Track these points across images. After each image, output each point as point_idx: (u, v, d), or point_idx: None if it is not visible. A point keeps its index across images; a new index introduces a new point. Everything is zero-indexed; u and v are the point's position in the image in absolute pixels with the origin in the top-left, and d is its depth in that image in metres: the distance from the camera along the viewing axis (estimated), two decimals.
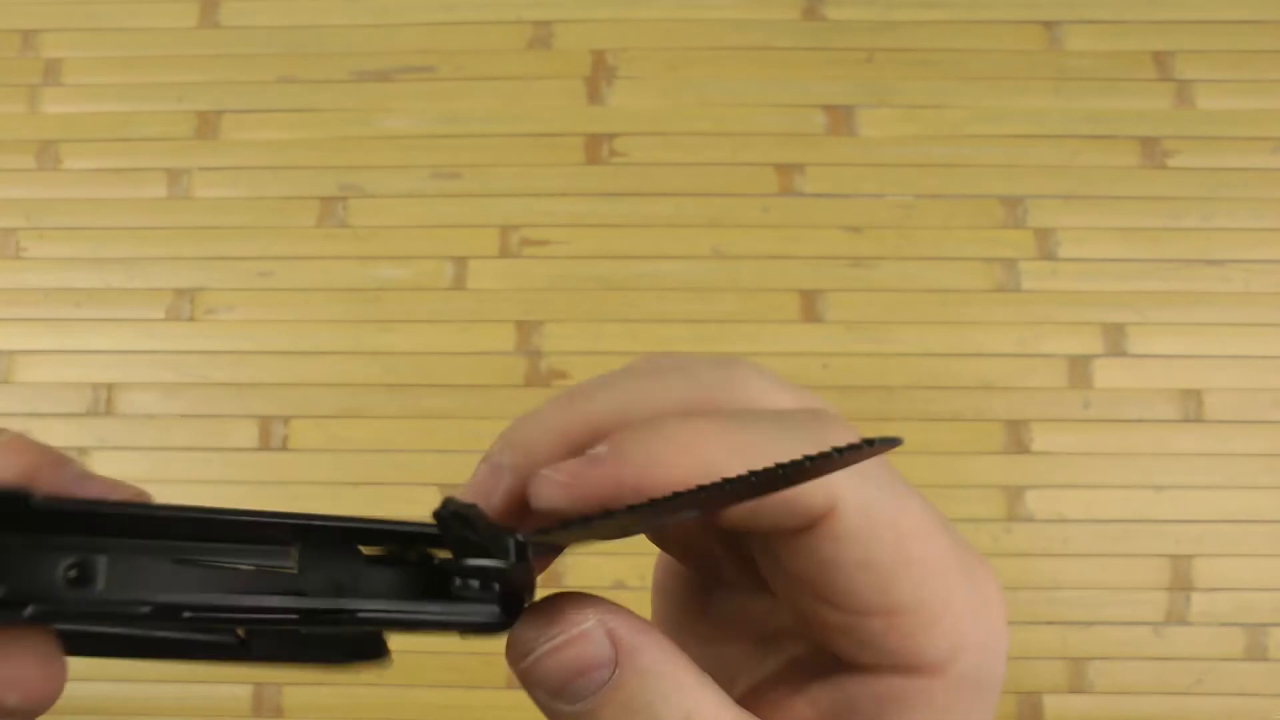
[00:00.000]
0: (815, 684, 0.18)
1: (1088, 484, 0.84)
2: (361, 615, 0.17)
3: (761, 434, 0.17)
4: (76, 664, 0.17)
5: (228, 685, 0.82)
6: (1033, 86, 0.90)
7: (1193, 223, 0.88)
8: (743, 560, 0.20)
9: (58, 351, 0.88)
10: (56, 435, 0.86)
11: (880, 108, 0.90)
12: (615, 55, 0.92)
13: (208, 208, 0.90)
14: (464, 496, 0.18)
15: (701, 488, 0.16)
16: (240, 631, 0.18)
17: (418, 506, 0.84)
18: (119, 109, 0.92)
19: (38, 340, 0.88)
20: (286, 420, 0.86)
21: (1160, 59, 0.90)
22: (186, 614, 0.16)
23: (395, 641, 0.20)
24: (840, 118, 0.90)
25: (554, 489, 0.17)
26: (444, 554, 0.18)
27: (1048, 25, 0.91)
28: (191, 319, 0.88)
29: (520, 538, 0.17)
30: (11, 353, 0.88)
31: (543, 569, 0.19)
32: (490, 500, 0.19)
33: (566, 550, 0.18)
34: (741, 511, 0.17)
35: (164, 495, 0.17)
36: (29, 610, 0.14)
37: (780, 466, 0.15)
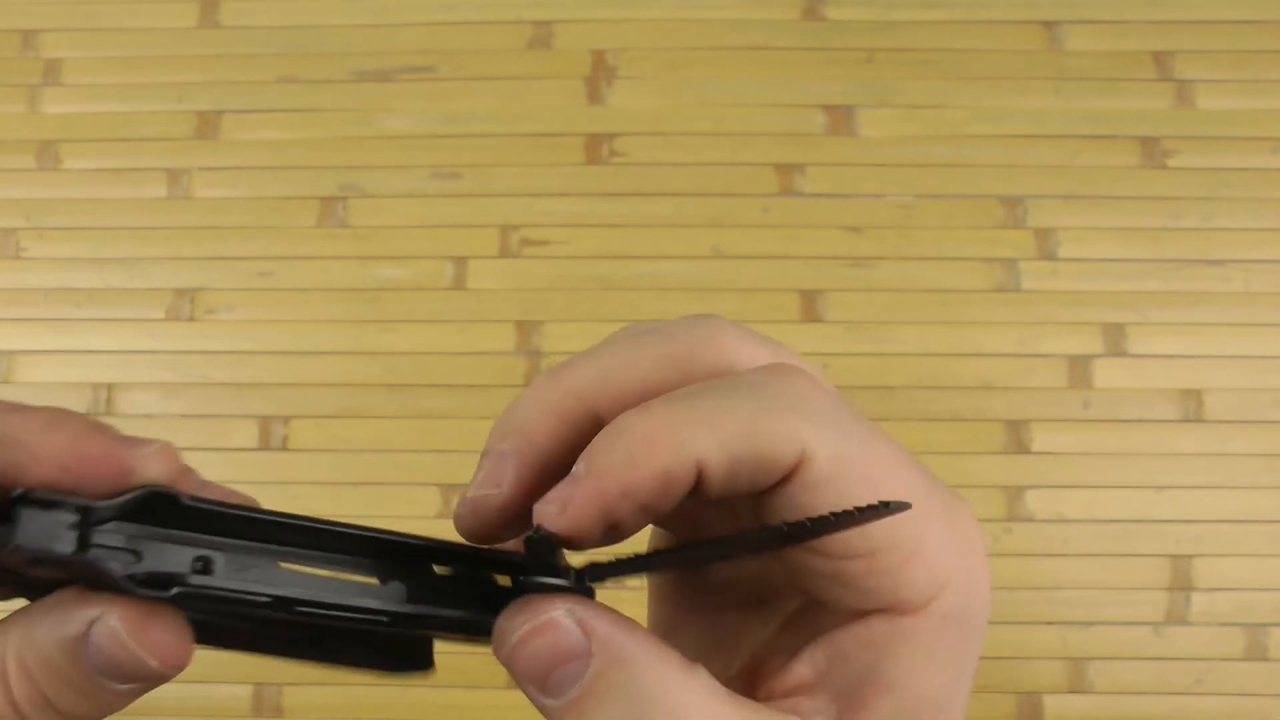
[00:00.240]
0: (810, 645, 0.19)
1: (1088, 484, 0.84)
2: (438, 620, 0.19)
3: (718, 401, 0.18)
4: None
5: (228, 685, 0.82)
6: (1033, 86, 0.90)
7: (1193, 223, 0.88)
8: (733, 524, 0.21)
9: (58, 351, 0.88)
10: None
11: (880, 108, 0.90)
12: (615, 55, 0.92)
13: (208, 208, 0.90)
14: (474, 488, 0.20)
15: (734, 538, 0.18)
16: (316, 630, 0.21)
17: (418, 506, 0.84)
18: (119, 109, 0.92)
19: (38, 340, 0.88)
20: (286, 420, 0.86)
21: (1160, 59, 0.90)
22: (298, 608, 0.18)
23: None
24: (840, 118, 0.90)
25: (553, 519, 0.18)
26: (504, 579, 0.20)
27: (1048, 25, 0.91)
28: (191, 319, 0.88)
29: (577, 569, 0.19)
30: (11, 353, 0.88)
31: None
32: (501, 488, 0.20)
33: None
34: (721, 478, 0.18)
35: None
36: (174, 590, 0.17)
37: (788, 525, 0.17)
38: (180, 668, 0.18)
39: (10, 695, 0.18)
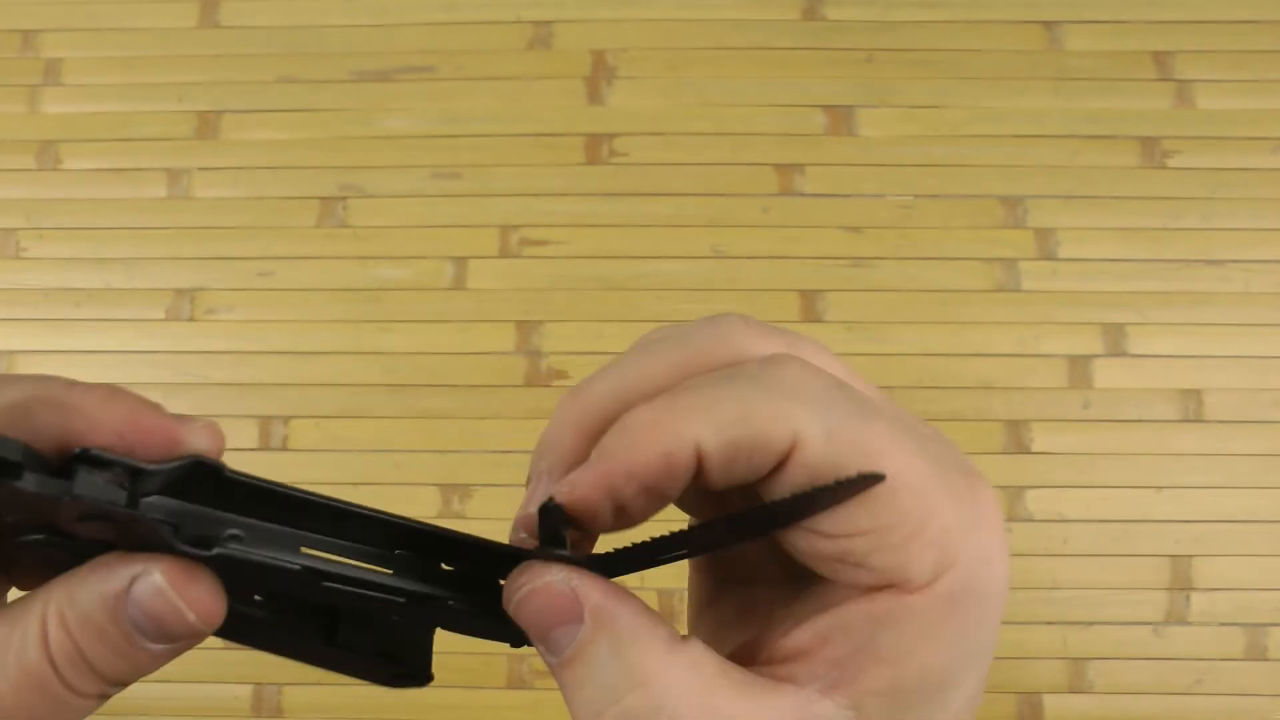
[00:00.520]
0: (818, 614, 0.19)
1: (1088, 484, 0.84)
2: (451, 604, 0.21)
3: (714, 390, 0.19)
4: None
5: (228, 685, 0.82)
6: (1033, 86, 0.90)
7: (1193, 223, 0.88)
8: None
9: (58, 351, 0.88)
10: None
11: (880, 108, 0.90)
12: (615, 55, 0.92)
13: (208, 208, 0.90)
14: (521, 509, 0.21)
15: (705, 528, 0.19)
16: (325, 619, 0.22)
17: (418, 506, 0.84)
18: (119, 109, 0.92)
19: (38, 340, 0.88)
20: (286, 420, 0.86)
21: (1160, 59, 0.90)
22: (325, 582, 0.20)
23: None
24: (840, 118, 0.90)
25: (564, 495, 0.19)
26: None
27: (1048, 25, 0.91)
28: (191, 319, 0.88)
29: (586, 558, 0.20)
30: (11, 353, 0.88)
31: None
32: (534, 501, 0.21)
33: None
34: (720, 463, 0.19)
35: None
36: (215, 550, 0.19)
37: (762, 508, 0.18)
38: (214, 625, 0.19)
39: (48, 651, 0.18)
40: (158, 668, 0.20)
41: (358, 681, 0.24)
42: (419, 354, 0.87)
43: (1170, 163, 0.89)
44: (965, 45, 0.91)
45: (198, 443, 0.19)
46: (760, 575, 0.23)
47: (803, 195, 0.89)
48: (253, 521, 0.20)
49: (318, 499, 0.20)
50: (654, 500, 0.19)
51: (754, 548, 0.23)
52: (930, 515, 0.18)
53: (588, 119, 0.91)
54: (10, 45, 0.93)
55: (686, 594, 0.24)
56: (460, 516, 0.83)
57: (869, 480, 0.17)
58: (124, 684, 0.20)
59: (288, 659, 0.22)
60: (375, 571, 0.20)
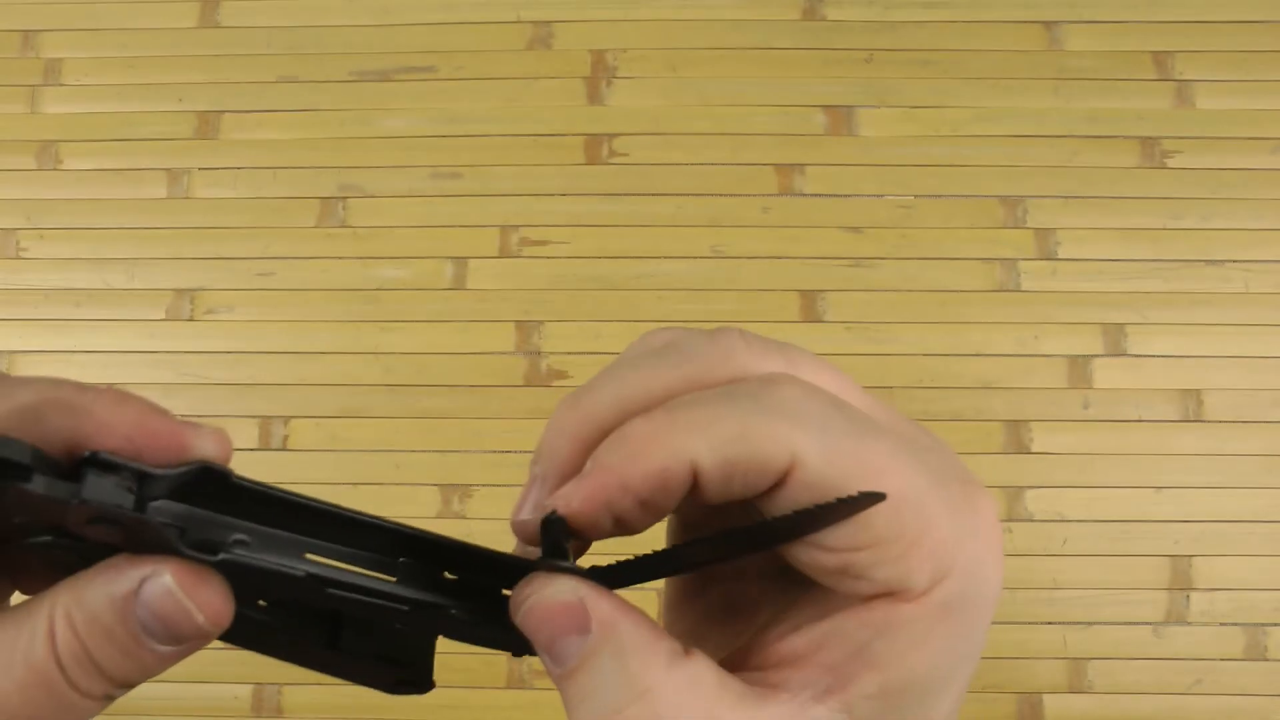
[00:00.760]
0: (814, 621, 0.20)
1: (1088, 484, 0.84)
2: (454, 613, 0.21)
3: (712, 408, 0.19)
4: None
5: (228, 685, 0.82)
6: (1033, 86, 0.90)
7: (1193, 223, 0.88)
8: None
9: (58, 351, 0.88)
10: None
11: (880, 108, 0.90)
12: (615, 55, 0.92)
13: (208, 208, 0.90)
14: (514, 512, 0.21)
15: (699, 544, 0.20)
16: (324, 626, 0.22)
17: (418, 506, 0.84)
18: (119, 109, 0.92)
19: (38, 340, 0.88)
20: (286, 420, 0.86)
21: (1160, 59, 0.90)
22: (329, 589, 0.20)
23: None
24: (840, 118, 0.90)
25: (566, 510, 0.20)
26: (508, 592, 0.21)
27: (1048, 25, 0.91)
28: (191, 319, 0.88)
29: (586, 570, 0.20)
30: (11, 353, 0.88)
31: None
32: (528, 507, 0.21)
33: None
34: (716, 480, 0.19)
35: None
36: (221, 555, 0.19)
37: (764, 524, 0.19)
38: (222, 627, 0.19)
39: (55, 651, 0.19)
40: (163, 670, 0.20)
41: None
42: (419, 354, 0.87)
43: (1170, 163, 0.89)
44: (965, 45, 0.91)
45: (206, 449, 0.19)
46: (747, 571, 0.23)
47: (803, 195, 0.89)
48: (258, 527, 0.20)
49: (323, 506, 0.20)
50: (650, 513, 0.20)
51: None
52: (929, 528, 0.19)
53: (588, 119, 0.91)
54: (10, 45, 0.93)
55: (664, 583, 0.25)
56: (460, 516, 0.83)
57: (871, 499, 0.18)
58: (130, 685, 0.20)
59: (290, 663, 0.23)
60: (379, 579, 0.21)
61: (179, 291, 0.89)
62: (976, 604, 0.19)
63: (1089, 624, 0.82)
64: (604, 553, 0.20)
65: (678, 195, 0.89)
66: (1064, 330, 0.86)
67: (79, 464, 0.18)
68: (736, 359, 0.20)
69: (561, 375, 0.86)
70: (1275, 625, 0.82)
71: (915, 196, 0.88)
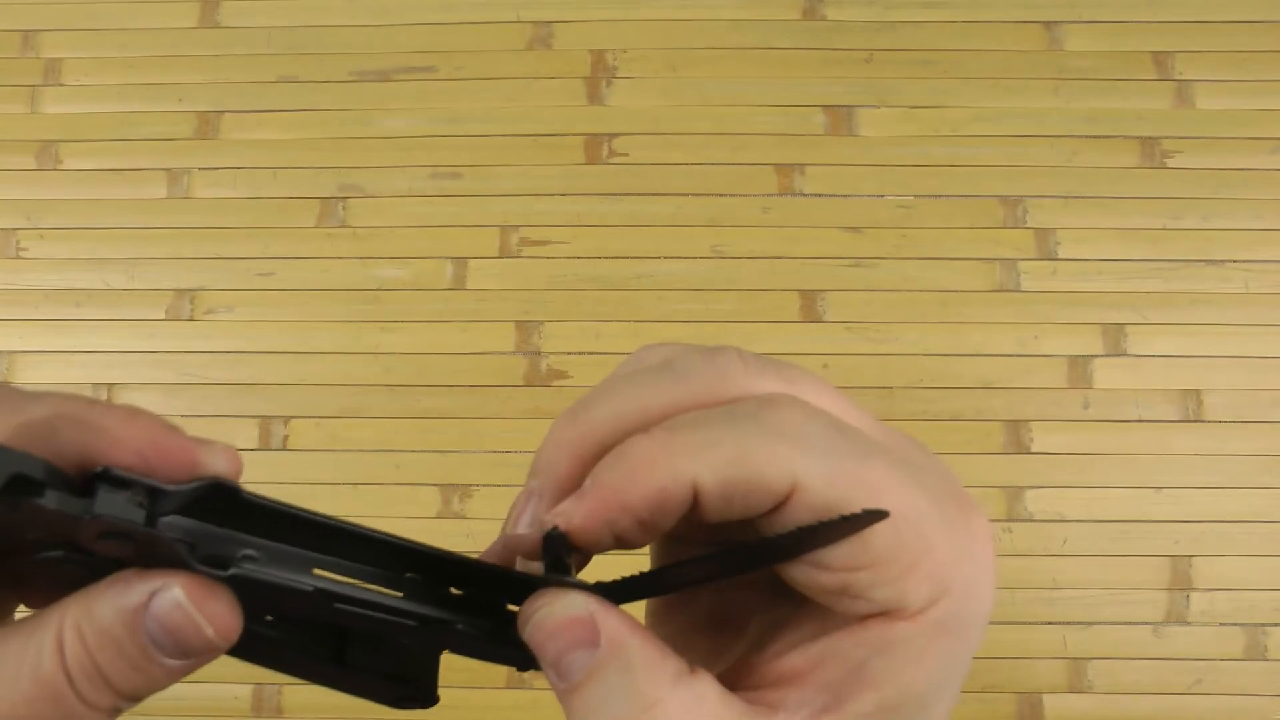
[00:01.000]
0: (811, 640, 0.20)
1: (1088, 484, 0.84)
2: (460, 628, 0.21)
3: (712, 430, 0.19)
4: None
5: (228, 685, 0.82)
6: (1033, 86, 0.90)
7: (1193, 223, 0.88)
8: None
9: (58, 351, 0.88)
10: None
11: (880, 108, 0.90)
12: (615, 55, 0.92)
13: (208, 208, 0.90)
14: (506, 525, 0.21)
15: (707, 561, 0.20)
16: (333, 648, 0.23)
17: (418, 506, 0.84)
18: (119, 109, 0.92)
19: (38, 340, 0.88)
20: (286, 420, 0.86)
21: (1160, 59, 0.90)
22: (336, 604, 0.20)
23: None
24: (840, 118, 0.90)
25: (566, 527, 0.20)
26: (513, 608, 0.21)
27: (1048, 25, 0.91)
28: (191, 319, 0.88)
29: (590, 585, 0.20)
30: (11, 353, 0.88)
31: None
32: (530, 530, 0.21)
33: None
34: (716, 501, 0.19)
35: None
36: (231, 570, 0.19)
37: (765, 542, 0.19)
38: (230, 641, 0.20)
39: (64, 663, 0.19)
40: (171, 684, 0.20)
41: None
42: (419, 354, 0.87)
43: (1170, 163, 0.89)
44: (965, 45, 0.91)
45: (216, 465, 0.19)
46: (734, 581, 0.23)
47: (803, 195, 0.89)
48: (267, 543, 0.20)
49: (331, 522, 0.20)
50: (649, 530, 0.20)
51: None
52: (929, 549, 0.19)
53: (588, 119, 0.91)
54: (10, 45, 0.93)
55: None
56: (460, 516, 0.83)
57: (873, 517, 0.18)
58: (137, 699, 0.20)
59: (297, 678, 0.23)
60: (386, 594, 0.21)
61: (179, 291, 0.89)
62: (970, 623, 0.20)
63: (1089, 624, 0.82)
64: (604, 564, 0.21)
65: (678, 195, 0.89)
66: (1064, 330, 0.86)
67: (91, 479, 0.18)
68: (735, 379, 0.21)
69: (561, 375, 0.86)
70: (1275, 625, 0.82)
71: (915, 196, 0.88)
